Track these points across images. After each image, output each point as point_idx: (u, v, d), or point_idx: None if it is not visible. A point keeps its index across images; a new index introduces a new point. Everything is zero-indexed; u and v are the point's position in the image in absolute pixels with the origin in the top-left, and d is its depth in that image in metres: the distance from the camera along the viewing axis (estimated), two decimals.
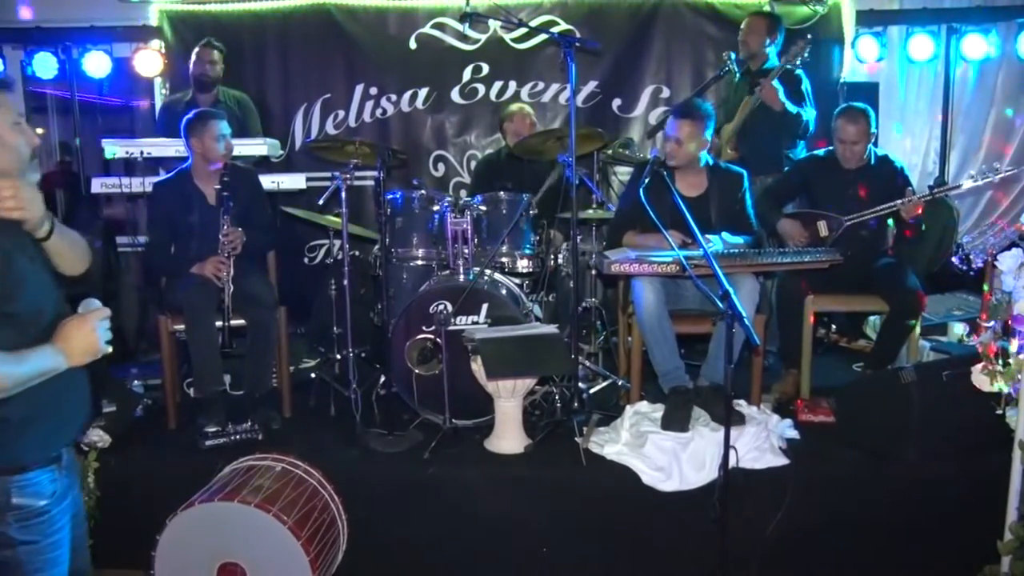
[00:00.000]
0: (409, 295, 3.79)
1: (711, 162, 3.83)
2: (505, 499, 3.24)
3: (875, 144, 4.07)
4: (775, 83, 4.34)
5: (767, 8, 5.10)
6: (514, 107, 4.88)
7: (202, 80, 4.92)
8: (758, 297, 3.52)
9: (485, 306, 3.60)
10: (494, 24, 5.29)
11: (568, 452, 3.34)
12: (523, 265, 4.00)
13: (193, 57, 4.94)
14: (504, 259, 3.96)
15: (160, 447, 3.60)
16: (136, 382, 4.27)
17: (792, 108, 4.39)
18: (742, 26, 4.73)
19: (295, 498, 2.90)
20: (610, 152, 4.90)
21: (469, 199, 4.00)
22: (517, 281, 4.03)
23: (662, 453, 3.20)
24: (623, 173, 5.19)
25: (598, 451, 3.33)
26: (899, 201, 3.80)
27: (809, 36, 4.38)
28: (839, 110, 4.04)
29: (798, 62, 4.42)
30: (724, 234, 3.62)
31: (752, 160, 4.42)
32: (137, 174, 4.36)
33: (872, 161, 4.02)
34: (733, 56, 4.74)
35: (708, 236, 3.48)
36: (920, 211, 3.80)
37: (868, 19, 5.48)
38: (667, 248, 3.47)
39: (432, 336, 3.58)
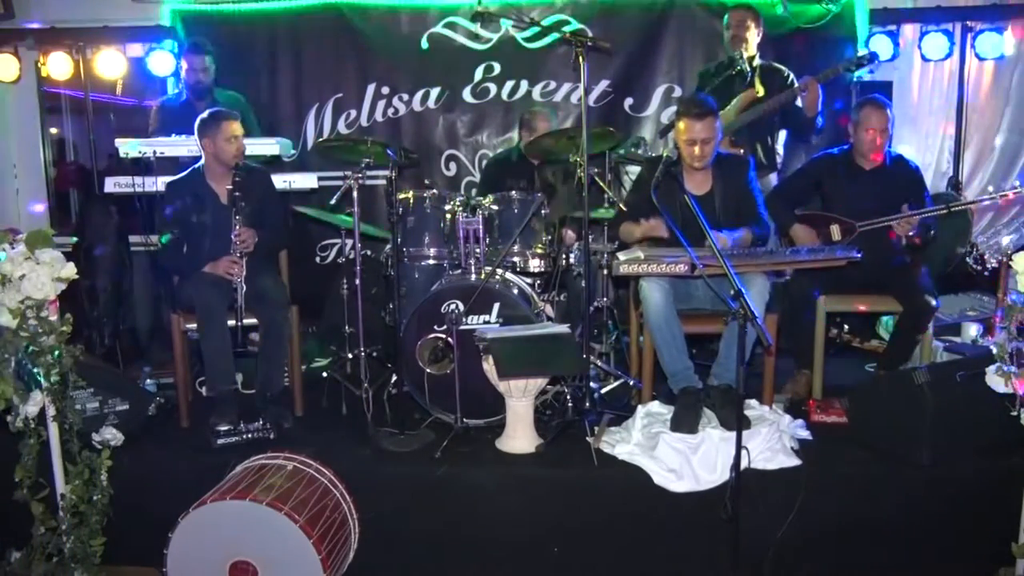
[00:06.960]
0: (421, 294, 3.78)
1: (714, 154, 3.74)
2: (516, 499, 3.24)
3: (889, 144, 4.03)
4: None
5: (779, 6, 5.06)
6: (535, 110, 4.87)
7: (199, 89, 4.83)
8: (768, 296, 3.50)
9: (497, 305, 3.60)
10: (506, 23, 5.29)
11: (580, 452, 3.33)
12: (535, 264, 3.99)
13: (184, 64, 4.84)
14: (516, 258, 3.96)
15: (172, 445, 3.61)
16: (149, 381, 4.30)
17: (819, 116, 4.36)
18: (728, 22, 4.59)
19: (306, 497, 2.91)
20: (622, 151, 4.89)
21: (480, 198, 4.00)
22: (529, 281, 4.03)
23: (674, 454, 3.19)
24: (635, 172, 5.16)
25: (610, 451, 3.32)
26: (896, 216, 3.79)
27: (874, 52, 4.24)
28: (863, 100, 3.95)
29: (856, 74, 4.34)
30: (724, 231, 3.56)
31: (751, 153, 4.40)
32: (151, 173, 4.38)
33: (887, 162, 3.99)
34: (743, 55, 4.69)
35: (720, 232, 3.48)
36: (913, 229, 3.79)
37: (882, 17, 5.44)
38: (658, 238, 3.47)
39: (444, 335, 3.58)
